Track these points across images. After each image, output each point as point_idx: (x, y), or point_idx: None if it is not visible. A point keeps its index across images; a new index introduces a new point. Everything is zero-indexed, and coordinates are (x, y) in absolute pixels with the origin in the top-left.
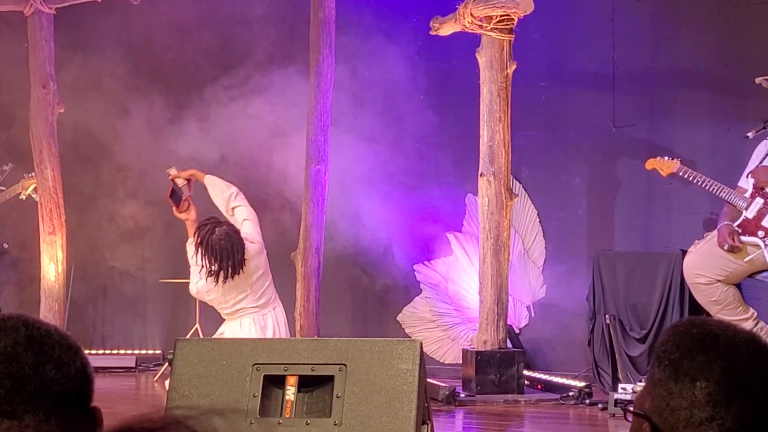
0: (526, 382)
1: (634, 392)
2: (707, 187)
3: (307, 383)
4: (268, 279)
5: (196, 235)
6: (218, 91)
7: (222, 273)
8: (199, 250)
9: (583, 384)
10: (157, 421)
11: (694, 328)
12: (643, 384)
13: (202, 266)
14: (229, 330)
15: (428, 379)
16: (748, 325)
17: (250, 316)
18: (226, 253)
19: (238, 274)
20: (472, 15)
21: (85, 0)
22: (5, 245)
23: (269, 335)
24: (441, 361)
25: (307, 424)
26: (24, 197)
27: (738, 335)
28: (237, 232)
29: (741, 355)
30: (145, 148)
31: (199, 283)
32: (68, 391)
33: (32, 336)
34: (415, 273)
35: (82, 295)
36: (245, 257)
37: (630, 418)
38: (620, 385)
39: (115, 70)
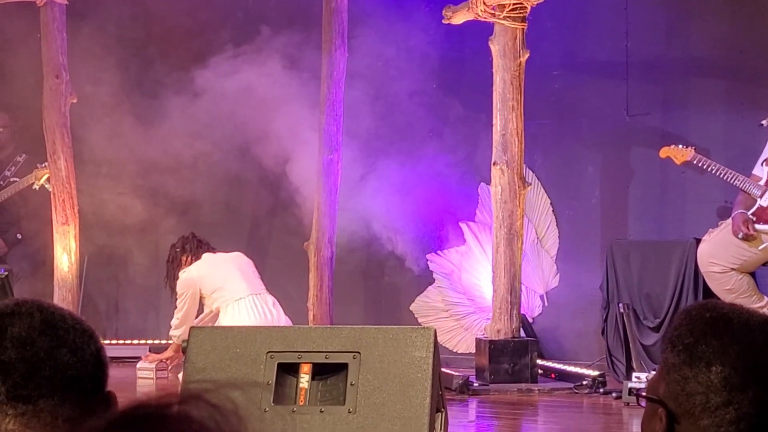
0: (540, 371)
1: (648, 381)
2: (721, 175)
3: (321, 371)
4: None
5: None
6: (229, 77)
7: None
8: None
9: (596, 373)
10: (176, 395)
11: (708, 312)
12: (657, 370)
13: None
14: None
15: (441, 369)
16: None
17: None
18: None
19: None
20: (484, 3)
21: None
22: (19, 236)
23: None
24: (454, 350)
25: (321, 411)
26: (37, 187)
27: (752, 318)
28: None
29: (756, 338)
30: (152, 135)
31: None
32: (83, 376)
33: (47, 321)
34: (428, 262)
35: (96, 285)
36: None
37: (644, 404)
38: (634, 374)
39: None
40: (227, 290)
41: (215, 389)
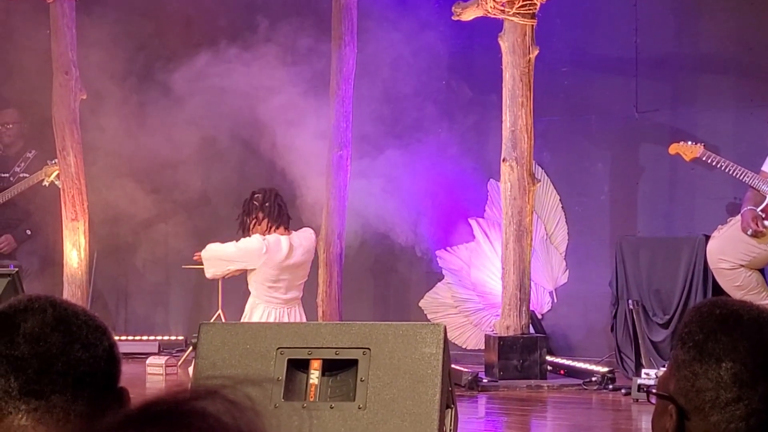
0: (549, 367)
1: (657, 377)
2: (731, 171)
3: (331, 367)
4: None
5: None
6: (239, 74)
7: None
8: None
9: (606, 369)
10: (193, 391)
11: (717, 309)
12: (667, 366)
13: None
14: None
15: (451, 365)
16: None
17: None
18: None
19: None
20: (494, 0)
21: None
22: (28, 232)
23: None
24: (463, 346)
25: (331, 407)
26: (47, 184)
27: (761, 315)
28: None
29: (765, 334)
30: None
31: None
32: (95, 371)
33: (59, 316)
34: (437, 259)
35: (105, 282)
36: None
37: (653, 401)
38: (643, 371)
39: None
40: (265, 288)
41: (232, 385)
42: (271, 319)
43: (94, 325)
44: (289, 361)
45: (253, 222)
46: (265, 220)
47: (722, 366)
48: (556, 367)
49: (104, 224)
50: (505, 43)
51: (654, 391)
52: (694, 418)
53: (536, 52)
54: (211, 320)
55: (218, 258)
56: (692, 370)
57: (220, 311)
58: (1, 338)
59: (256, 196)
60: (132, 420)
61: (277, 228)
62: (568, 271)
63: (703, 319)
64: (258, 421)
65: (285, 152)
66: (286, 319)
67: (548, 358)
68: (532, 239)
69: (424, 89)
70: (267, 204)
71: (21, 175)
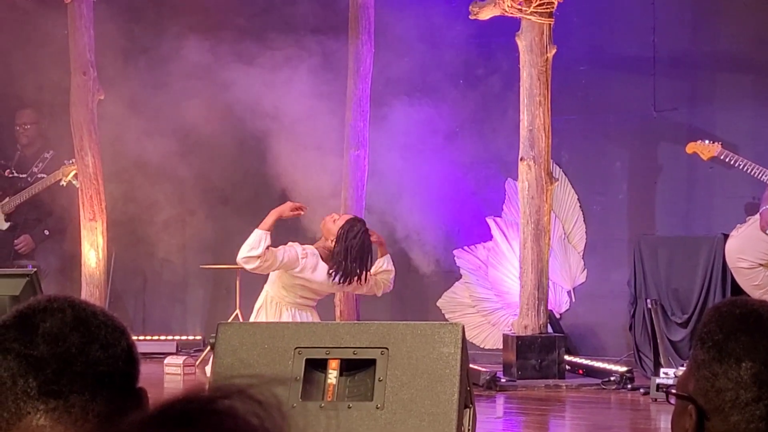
0: (567, 367)
1: (676, 377)
2: (749, 170)
3: (349, 367)
4: None
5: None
6: (257, 70)
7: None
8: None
9: (624, 369)
10: (220, 389)
11: (737, 309)
12: (686, 366)
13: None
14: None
15: (469, 365)
16: None
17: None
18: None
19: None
20: None
21: None
22: (46, 232)
23: None
24: (481, 346)
25: (349, 407)
26: (65, 184)
27: None
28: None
29: None
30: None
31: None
32: (114, 371)
33: (78, 316)
34: (455, 258)
35: (123, 282)
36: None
37: (673, 401)
38: (662, 370)
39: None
40: (290, 289)
41: (259, 384)
42: (284, 317)
43: (112, 325)
44: (307, 360)
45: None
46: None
47: (742, 366)
48: (575, 366)
49: (122, 224)
50: (522, 42)
51: (673, 391)
52: (713, 418)
53: (554, 51)
54: (229, 320)
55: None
56: (712, 370)
57: (237, 311)
58: (21, 338)
59: (359, 232)
60: (160, 419)
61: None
62: (586, 270)
63: (722, 319)
64: (284, 422)
65: (303, 151)
66: (298, 319)
67: (566, 357)
68: (550, 238)
69: (441, 88)
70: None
71: (39, 175)
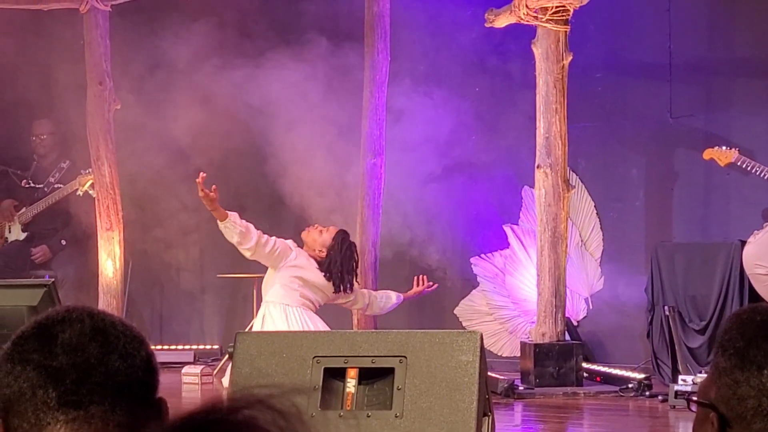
0: (585, 374)
1: (694, 384)
2: (766, 176)
3: (367, 375)
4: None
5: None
6: (272, 78)
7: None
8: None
9: (642, 376)
10: (241, 400)
11: (758, 316)
12: (706, 374)
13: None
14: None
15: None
16: None
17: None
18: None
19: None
20: (527, 6)
21: None
22: (63, 242)
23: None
24: (499, 354)
25: (368, 416)
26: (81, 194)
27: None
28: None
29: None
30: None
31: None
32: (133, 381)
33: (97, 327)
34: (472, 266)
35: (140, 291)
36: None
37: (694, 408)
38: (680, 377)
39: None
40: (295, 293)
41: (280, 394)
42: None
43: (131, 335)
44: (326, 369)
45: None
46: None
47: (764, 373)
48: (592, 374)
49: (139, 233)
50: (538, 50)
51: (695, 398)
52: (735, 426)
53: (570, 59)
54: (247, 329)
55: (255, 239)
56: (733, 377)
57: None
58: (40, 349)
59: (347, 241)
60: (182, 430)
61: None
62: (603, 277)
63: (743, 326)
64: (304, 431)
65: (319, 159)
66: (306, 318)
67: (584, 365)
68: (567, 246)
69: (456, 96)
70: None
71: (55, 185)
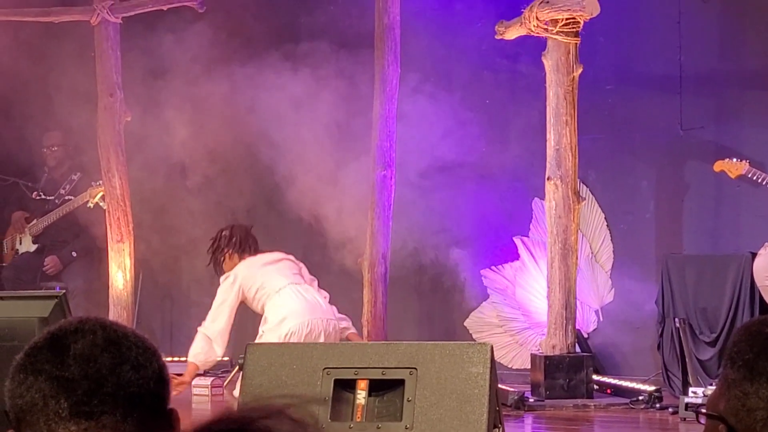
0: (596, 386)
1: (705, 396)
2: None
3: (377, 387)
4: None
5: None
6: (281, 89)
7: None
8: None
9: (653, 388)
10: (259, 410)
11: (767, 328)
12: (715, 386)
13: None
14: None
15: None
16: None
17: None
18: None
19: None
20: (537, 18)
21: (151, 9)
22: (74, 254)
23: None
24: (509, 366)
25: (378, 428)
26: (92, 205)
27: None
28: None
29: None
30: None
31: None
32: (145, 392)
33: (109, 338)
34: (482, 278)
35: (150, 303)
36: None
37: (703, 420)
38: (691, 389)
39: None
40: (267, 287)
41: (299, 404)
42: (295, 296)
43: (143, 346)
44: (336, 381)
45: (221, 256)
46: (232, 251)
47: None
48: (603, 386)
49: (149, 245)
50: (548, 62)
51: (704, 410)
52: None
53: (580, 71)
54: (256, 340)
55: (222, 331)
56: (743, 389)
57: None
58: (52, 359)
59: (223, 231)
60: None
61: (243, 255)
62: (613, 289)
63: (752, 338)
64: None
65: (327, 171)
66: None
67: (595, 377)
68: (577, 258)
69: (467, 108)
70: (234, 239)
71: (66, 197)
